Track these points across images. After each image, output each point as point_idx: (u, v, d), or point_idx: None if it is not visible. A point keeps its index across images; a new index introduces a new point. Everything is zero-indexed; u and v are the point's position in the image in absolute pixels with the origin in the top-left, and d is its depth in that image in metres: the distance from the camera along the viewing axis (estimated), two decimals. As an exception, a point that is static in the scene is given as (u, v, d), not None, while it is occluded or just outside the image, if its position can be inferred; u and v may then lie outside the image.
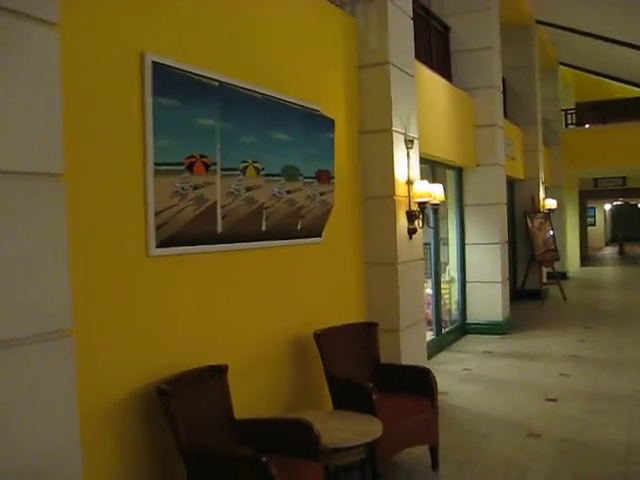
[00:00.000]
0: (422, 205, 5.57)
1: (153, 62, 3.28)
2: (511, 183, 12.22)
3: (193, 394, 3.31)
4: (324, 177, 4.67)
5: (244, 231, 3.88)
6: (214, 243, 3.67)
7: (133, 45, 3.25)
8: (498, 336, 8.77)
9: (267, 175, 4.04)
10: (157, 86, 3.28)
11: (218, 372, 3.47)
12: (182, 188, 3.39)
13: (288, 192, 4.24)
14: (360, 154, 5.53)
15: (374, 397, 3.96)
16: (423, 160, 7.76)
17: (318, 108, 4.71)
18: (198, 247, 3.56)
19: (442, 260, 9.07)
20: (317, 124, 4.59)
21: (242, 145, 3.79)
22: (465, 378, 6.75)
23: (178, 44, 3.50)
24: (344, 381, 4.26)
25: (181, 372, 3.30)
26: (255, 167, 3.87)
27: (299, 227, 4.44)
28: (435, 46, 8.40)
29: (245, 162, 3.81)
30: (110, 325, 3.08)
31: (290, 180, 4.26)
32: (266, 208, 4.06)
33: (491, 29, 9.03)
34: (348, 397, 4.22)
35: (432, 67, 7.84)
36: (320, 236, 4.78)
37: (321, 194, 4.64)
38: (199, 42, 3.64)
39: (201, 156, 3.47)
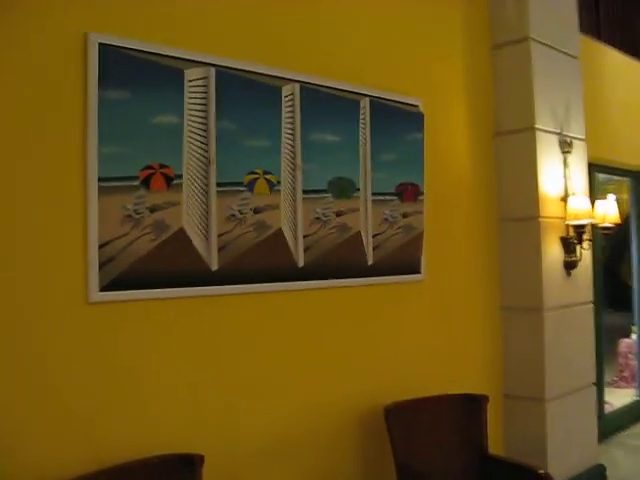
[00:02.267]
0: (580, 230, 3.91)
1: (100, 44, 2.35)
2: None
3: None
4: (408, 193, 3.34)
5: (260, 268, 2.73)
6: (207, 284, 2.59)
7: (73, 24, 2.34)
8: None
9: (307, 192, 2.89)
10: (106, 75, 2.34)
11: (184, 464, 2.38)
12: (135, 211, 2.40)
13: (338, 214, 3.03)
14: (493, 163, 4.08)
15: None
16: (620, 171, 5.92)
17: (415, 102, 3.43)
18: (173, 290, 2.49)
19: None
20: (396, 121, 3.29)
21: (248, 150, 2.67)
22: (667, 465, 4.75)
23: (143, 17, 2.49)
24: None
25: (115, 465, 2.28)
26: (267, 180, 2.75)
27: (370, 261, 3.18)
28: (643, 27, 6.39)
29: (254, 174, 2.71)
30: (17, 400, 2.17)
31: (341, 197, 3.04)
32: (305, 237, 2.90)
33: None
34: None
35: (637, 54, 5.91)
36: (418, 272, 3.46)
37: (404, 216, 3.32)
38: (178, 12, 2.59)
39: (161, 166, 2.43)
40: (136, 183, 2.38)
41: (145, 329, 2.47)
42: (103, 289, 2.35)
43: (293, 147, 2.85)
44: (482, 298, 3.94)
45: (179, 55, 2.52)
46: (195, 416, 2.58)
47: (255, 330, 2.78)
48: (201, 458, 2.39)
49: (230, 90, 2.61)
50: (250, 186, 2.67)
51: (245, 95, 2.67)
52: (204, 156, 2.55)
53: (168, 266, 2.47)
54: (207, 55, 2.60)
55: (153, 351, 2.49)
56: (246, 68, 2.69)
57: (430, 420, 3.15)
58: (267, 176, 2.71)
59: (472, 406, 3.22)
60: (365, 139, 3.14)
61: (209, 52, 2.62)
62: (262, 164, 2.69)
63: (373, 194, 3.18)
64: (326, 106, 2.96)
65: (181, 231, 2.46)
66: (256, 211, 2.67)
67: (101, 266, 2.34)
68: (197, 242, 2.53)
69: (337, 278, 3.03)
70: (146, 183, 2.39)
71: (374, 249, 3.19)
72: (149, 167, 2.40)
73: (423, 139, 3.40)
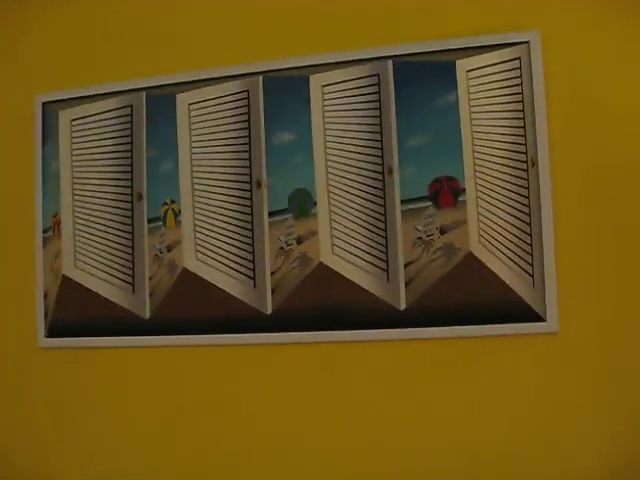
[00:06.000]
0: None
1: (43, 104, 2.40)
2: None
3: None
4: (445, 194, 1.92)
5: (199, 317, 2.14)
6: (139, 334, 2.23)
7: (26, 88, 2.46)
8: None
9: (274, 213, 2.09)
10: (47, 132, 2.38)
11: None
12: (52, 262, 2.30)
13: (299, 240, 2.03)
14: None
15: None
16: None
17: (512, 39, 1.98)
18: (105, 339, 2.26)
19: None
20: (417, 81, 1.96)
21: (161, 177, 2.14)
22: None
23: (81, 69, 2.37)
24: None
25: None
26: (174, 210, 2.10)
27: (403, 305, 2.00)
28: None
29: (165, 204, 2.14)
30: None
31: (301, 216, 2.03)
32: (272, 273, 2.09)
33: None
34: None
35: None
36: (538, 319, 1.95)
37: (442, 231, 1.93)
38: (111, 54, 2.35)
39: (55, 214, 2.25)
40: (50, 233, 2.33)
41: (93, 374, 2.33)
42: (48, 335, 2.38)
43: (250, 158, 2.15)
44: None
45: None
46: None
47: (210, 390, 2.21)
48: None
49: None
50: (164, 219, 2.17)
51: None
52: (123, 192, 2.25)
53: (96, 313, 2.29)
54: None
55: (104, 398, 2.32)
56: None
57: None
58: (173, 205, 2.14)
59: None
60: (389, 119, 2.04)
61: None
62: (170, 192, 2.15)
63: (402, 202, 2.03)
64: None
65: (65, 279, 2.25)
66: (168, 249, 2.15)
67: (45, 314, 2.38)
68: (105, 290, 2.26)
69: (319, 330, 2.06)
70: (53, 230, 2.31)
71: (406, 285, 2.02)
72: (55, 215, 2.31)
73: (457, 102, 1.92)
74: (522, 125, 2.00)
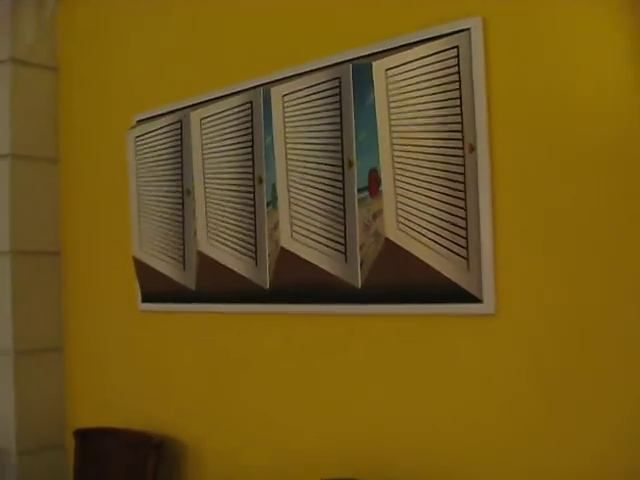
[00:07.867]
0: None
1: (138, 121, 3.08)
2: None
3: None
4: (373, 184, 2.03)
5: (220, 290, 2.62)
6: (188, 302, 2.79)
7: (127, 108, 3.15)
8: None
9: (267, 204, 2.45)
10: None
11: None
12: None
13: (274, 228, 2.31)
14: None
15: None
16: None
17: (443, 29, 2.04)
18: (173, 305, 2.87)
19: None
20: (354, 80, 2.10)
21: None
22: None
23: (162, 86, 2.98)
24: None
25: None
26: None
27: (360, 283, 2.20)
28: None
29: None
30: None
31: (274, 207, 2.31)
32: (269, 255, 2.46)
33: None
34: None
35: None
36: (477, 299, 1.99)
37: (374, 218, 2.05)
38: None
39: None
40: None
41: (172, 333, 2.96)
42: (144, 300, 3.09)
43: (253, 158, 2.55)
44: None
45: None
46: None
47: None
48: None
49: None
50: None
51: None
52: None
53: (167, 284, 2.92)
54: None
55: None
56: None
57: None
58: (194, 200, 2.64)
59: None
60: (350, 117, 2.25)
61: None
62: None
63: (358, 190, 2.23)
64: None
65: (135, 259, 2.90)
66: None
67: (141, 282, 3.09)
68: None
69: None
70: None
71: (360, 266, 2.22)
72: (134, 210, 3.02)
73: (374, 101, 1.99)
74: (459, 113, 2.06)
